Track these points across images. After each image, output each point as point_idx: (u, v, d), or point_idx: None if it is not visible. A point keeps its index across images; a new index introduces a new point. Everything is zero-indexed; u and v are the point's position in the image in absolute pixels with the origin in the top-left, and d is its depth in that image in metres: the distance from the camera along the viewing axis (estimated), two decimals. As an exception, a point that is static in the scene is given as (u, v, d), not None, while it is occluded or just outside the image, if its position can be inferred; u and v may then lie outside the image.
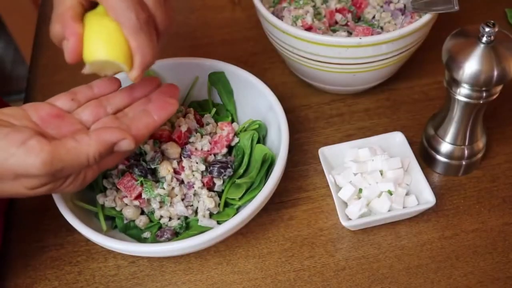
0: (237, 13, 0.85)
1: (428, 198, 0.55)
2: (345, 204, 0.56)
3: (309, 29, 0.63)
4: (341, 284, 0.53)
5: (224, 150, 0.57)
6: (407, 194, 0.57)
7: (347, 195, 0.56)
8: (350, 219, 0.55)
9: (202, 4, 0.87)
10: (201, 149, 0.56)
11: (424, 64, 0.72)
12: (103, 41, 0.43)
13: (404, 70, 0.69)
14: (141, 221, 0.55)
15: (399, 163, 0.57)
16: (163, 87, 0.51)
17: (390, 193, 0.56)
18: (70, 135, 0.44)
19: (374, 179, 0.57)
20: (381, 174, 0.57)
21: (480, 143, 0.59)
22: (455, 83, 0.53)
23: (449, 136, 0.58)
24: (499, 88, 0.53)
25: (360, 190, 0.57)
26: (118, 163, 0.48)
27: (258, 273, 0.55)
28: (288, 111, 0.58)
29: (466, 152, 0.59)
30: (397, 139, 0.60)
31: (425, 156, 0.62)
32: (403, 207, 0.55)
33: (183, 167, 0.55)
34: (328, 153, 0.60)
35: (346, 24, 0.66)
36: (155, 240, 0.54)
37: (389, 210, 0.55)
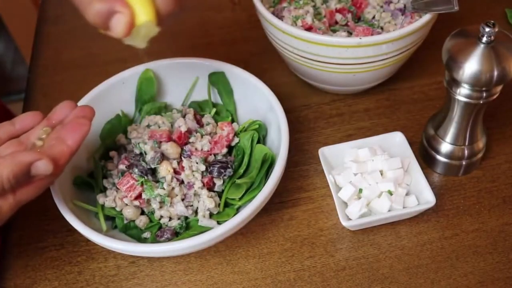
0: (237, 13, 0.85)
1: (428, 198, 0.55)
2: (345, 204, 0.56)
3: (309, 29, 0.63)
4: (341, 284, 0.53)
5: (224, 150, 0.57)
6: (407, 194, 0.57)
7: (347, 195, 0.56)
8: (350, 219, 0.55)
9: (202, 4, 0.87)
10: (201, 149, 0.57)
11: (424, 64, 0.72)
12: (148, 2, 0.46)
13: (404, 70, 0.69)
14: (141, 221, 0.55)
15: (399, 163, 0.57)
16: (77, 109, 0.49)
17: (390, 193, 0.56)
18: None
19: (374, 179, 0.57)
20: (381, 174, 0.57)
21: (480, 143, 0.59)
22: (455, 83, 0.53)
23: (449, 136, 0.58)
24: (499, 88, 0.53)
25: (360, 190, 0.57)
26: (37, 195, 0.47)
27: (258, 273, 0.55)
28: (288, 111, 0.58)
29: (466, 152, 0.59)
30: (397, 139, 0.60)
31: (425, 156, 0.62)
32: (403, 207, 0.55)
33: (183, 167, 0.55)
34: (328, 153, 0.60)
35: (346, 24, 0.66)
36: (155, 240, 0.54)
37: (389, 210, 0.55)
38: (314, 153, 0.64)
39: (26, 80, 0.78)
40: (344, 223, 0.54)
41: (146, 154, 0.55)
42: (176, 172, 0.55)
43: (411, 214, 0.56)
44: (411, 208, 0.55)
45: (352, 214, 0.55)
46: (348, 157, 0.59)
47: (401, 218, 0.56)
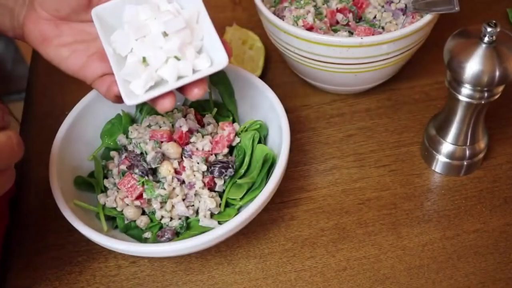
0: (238, 13, 0.84)
1: (220, 57, 0.47)
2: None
3: (310, 29, 0.63)
4: (342, 285, 0.53)
5: (225, 150, 0.57)
6: (198, 52, 0.48)
7: (130, 72, 0.46)
8: (136, 94, 0.46)
9: (203, 4, 0.86)
10: (202, 149, 0.56)
11: (425, 64, 0.72)
12: None
13: (405, 70, 0.69)
14: (142, 221, 0.55)
15: (182, 23, 0.47)
16: None
17: (178, 58, 0.47)
18: None
19: (158, 44, 0.47)
20: (165, 36, 0.47)
21: (482, 143, 0.59)
22: (457, 83, 0.53)
23: (451, 136, 0.58)
24: (500, 88, 0.53)
25: (144, 59, 0.47)
26: None
27: (259, 273, 0.55)
28: (289, 111, 0.58)
29: (467, 152, 0.59)
30: None
31: (426, 156, 0.62)
32: (195, 71, 0.47)
33: (184, 167, 0.54)
34: (104, 14, 0.48)
35: (347, 24, 0.66)
36: (156, 240, 0.54)
37: (179, 78, 0.47)
38: (315, 153, 0.64)
39: (26, 80, 0.78)
40: (128, 101, 0.45)
41: (146, 154, 0.55)
42: (177, 172, 0.55)
43: (202, 75, 0.47)
44: (202, 72, 0.47)
45: (138, 90, 0.46)
46: (125, 17, 0.48)
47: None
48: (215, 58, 0.48)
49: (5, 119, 0.40)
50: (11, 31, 0.52)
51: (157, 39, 0.47)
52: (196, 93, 0.47)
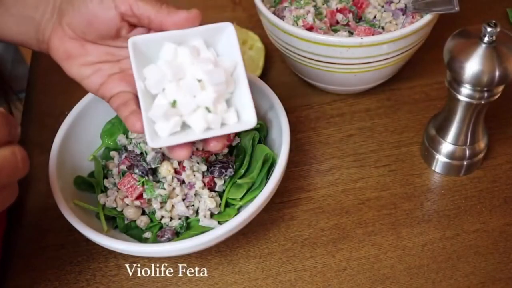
0: (238, 13, 0.85)
1: (248, 118, 0.45)
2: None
3: (310, 29, 0.63)
4: (342, 285, 0.53)
5: (225, 150, 0.57)
6: (227, 103, 0.47)
7: (159, 113, 0.44)
8: (159, 136, 0.45)
9: (203, 4, 0.86)
10: (202, 149, 0.56)
11: (425, 64, 0.72)
12: None
13: (405, 70, 0.69)
14: (142, 221, 0.55)
15: (222, 76, 0.45)
16: None
17: (208, 110, 0.46)
18: None
19: (191, 91, 0.45)
20: (200, 82, 0.45)
21: (482, 143, 0.59)
22: (457, 83, 0.53)
23: (451, 136, 0.58)
24: (500, 88, 0.53)
25: (174, 103, 0.45)
26: None
27: (259, 273, 0.55)
28: (289, 111, 0.58)
29: (467, 152, 0.59)
30: (226, 33, 0.47)
31: (426, 156, 0.62)
32: (222, 123, 0.46)
33: (184, 167, 0.54)
34: (142, 45, 0.46)
35: (347, 24, 0.66)
36: (156, 240, 0.54)
37: (206, 129, 0.46)
38: (315, 153, 0.64)
39: (26, 80, 0.78)
40: (152, 143, 0.44)
41: (146, 154, 0.55)
42: (177, 172, 0.55)
43: (229, 132, 0.47)
44: (230, 128, 0.46)
45: (162, 131, 0.45)
46: (163, 55, 0.46)
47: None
48: (242, 115, 0.46)
49: (12, 133, 0.38)
50: (36, 45, 0.52)
51: (192, 86, 0.45)
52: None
